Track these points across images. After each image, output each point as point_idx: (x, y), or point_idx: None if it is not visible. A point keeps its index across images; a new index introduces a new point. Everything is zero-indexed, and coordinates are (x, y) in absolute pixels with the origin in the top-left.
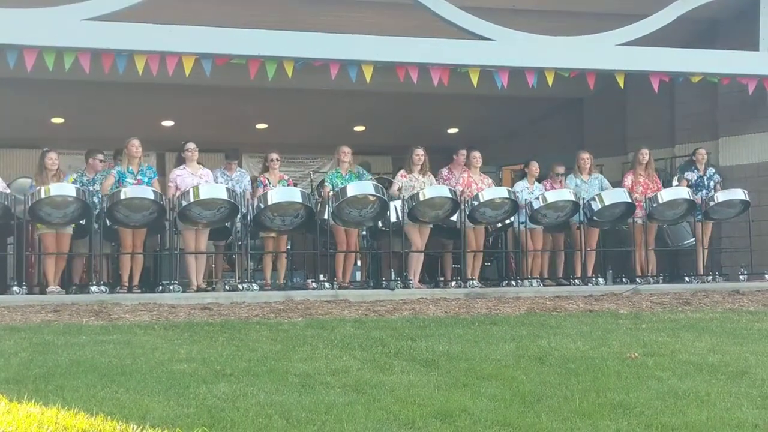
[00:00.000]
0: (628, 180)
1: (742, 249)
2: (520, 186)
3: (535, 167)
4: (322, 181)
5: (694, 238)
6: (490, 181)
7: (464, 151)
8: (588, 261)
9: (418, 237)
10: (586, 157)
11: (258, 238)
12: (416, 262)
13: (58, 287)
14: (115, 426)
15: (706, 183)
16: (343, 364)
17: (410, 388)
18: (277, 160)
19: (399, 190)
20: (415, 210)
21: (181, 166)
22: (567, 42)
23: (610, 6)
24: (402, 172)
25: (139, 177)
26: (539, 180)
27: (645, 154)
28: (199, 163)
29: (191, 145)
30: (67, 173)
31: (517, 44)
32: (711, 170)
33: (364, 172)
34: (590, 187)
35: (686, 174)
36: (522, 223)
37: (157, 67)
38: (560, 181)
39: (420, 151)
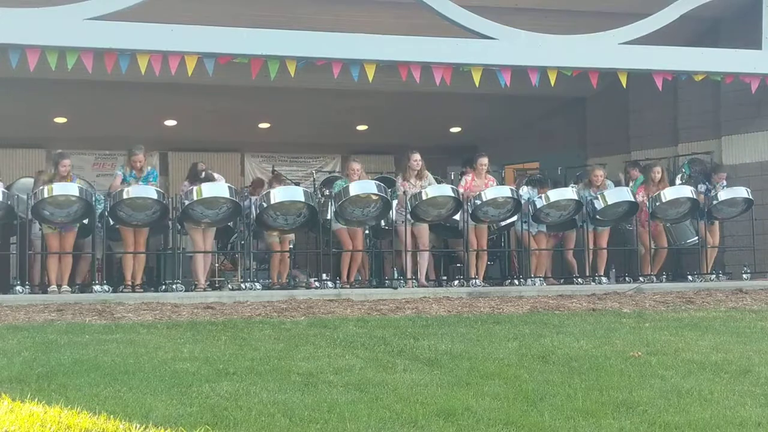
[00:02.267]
0: (640, 196)
1: (746, 248)
2: (526, 188)
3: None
4: (325, 180)
5: (697, 237)
6: (495, 184)
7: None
8: (599, 261)
9: (410, 238)
10: (600, 174)
11: (261, 237)
12: (422, 261)
13: (64, 286)
14: (117, 425)
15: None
16: (346, 363)
17: (413, 387)
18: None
19: (405, 193)
20: (418, 209)
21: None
22: (570, 41)
23: (613, 5)
24: (400, 180)
25: (140, 183)
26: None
27: (657, 172)
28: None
29: (202, 166)
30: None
31: (520, 43)
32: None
33: None
34: None
35: (699, 186)
36: (525, 222)
37: (159, 66)
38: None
39: (417, 156)
